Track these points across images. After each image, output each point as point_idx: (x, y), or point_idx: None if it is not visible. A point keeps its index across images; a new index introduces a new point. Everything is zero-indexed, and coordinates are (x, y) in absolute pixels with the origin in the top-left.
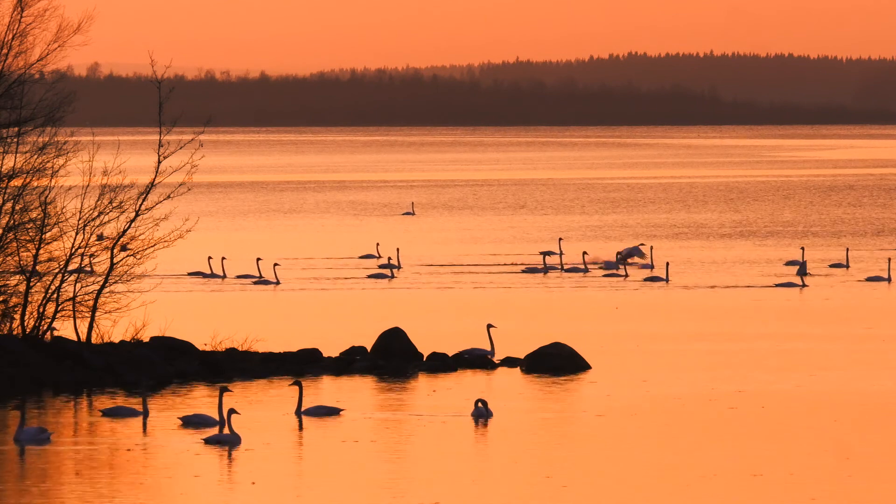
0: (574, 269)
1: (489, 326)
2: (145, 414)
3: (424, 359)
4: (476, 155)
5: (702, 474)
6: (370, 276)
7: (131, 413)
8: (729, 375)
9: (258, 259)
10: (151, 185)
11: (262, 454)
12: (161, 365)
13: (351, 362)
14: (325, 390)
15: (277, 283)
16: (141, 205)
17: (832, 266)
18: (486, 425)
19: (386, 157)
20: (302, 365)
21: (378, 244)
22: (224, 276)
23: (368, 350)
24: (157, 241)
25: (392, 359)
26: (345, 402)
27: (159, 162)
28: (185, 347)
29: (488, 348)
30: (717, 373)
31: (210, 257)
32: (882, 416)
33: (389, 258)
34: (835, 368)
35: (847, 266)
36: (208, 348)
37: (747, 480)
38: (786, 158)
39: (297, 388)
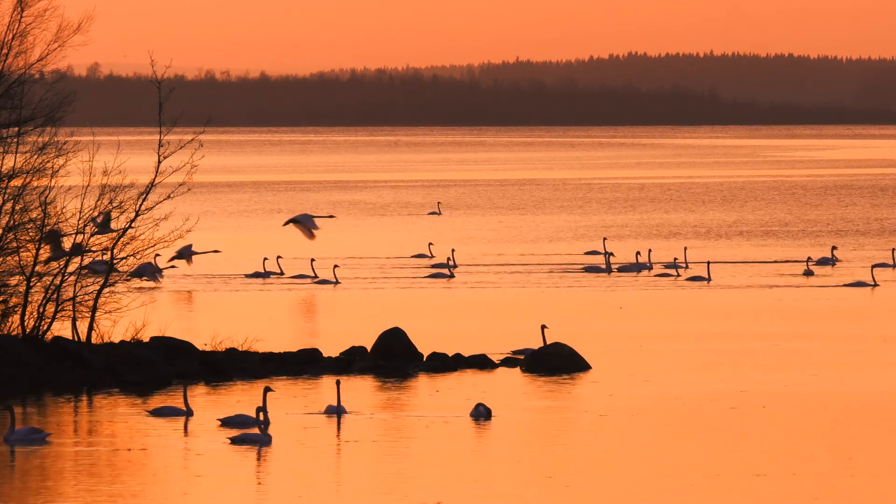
0: (622, 269)
1: (543, 327)
2: (188, 413)
3: (424, 359)
4: (477, 155)
5: (704, 474)
6: (429, 276)
7: (179, 413)
8: (731, 375)
9: (312, 260)
10: (151, 185)
11: (265, 454)
12: (161, 365)
13: (351, 362)
14: (325, 390)
15: (336, 283)
16: (141, 205)
17: (876, 266)
18: (486, 425)
19: (387, 157)
20: (302, 365)
21: (431, 244)
22: (267, 275)
23: (368, 350)
24: (157, 241)
25: (392, 359)
26: (345, 402)
27: (159, 162)
28: (185, 347)
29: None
30: (719, 373)
31: (279, 257)
32: (884, 415)
33: (448, 258)
34: (837, 368)
35: (894, 266)
36: (208, 348)
37: (750, 480)
38: (786, 158)
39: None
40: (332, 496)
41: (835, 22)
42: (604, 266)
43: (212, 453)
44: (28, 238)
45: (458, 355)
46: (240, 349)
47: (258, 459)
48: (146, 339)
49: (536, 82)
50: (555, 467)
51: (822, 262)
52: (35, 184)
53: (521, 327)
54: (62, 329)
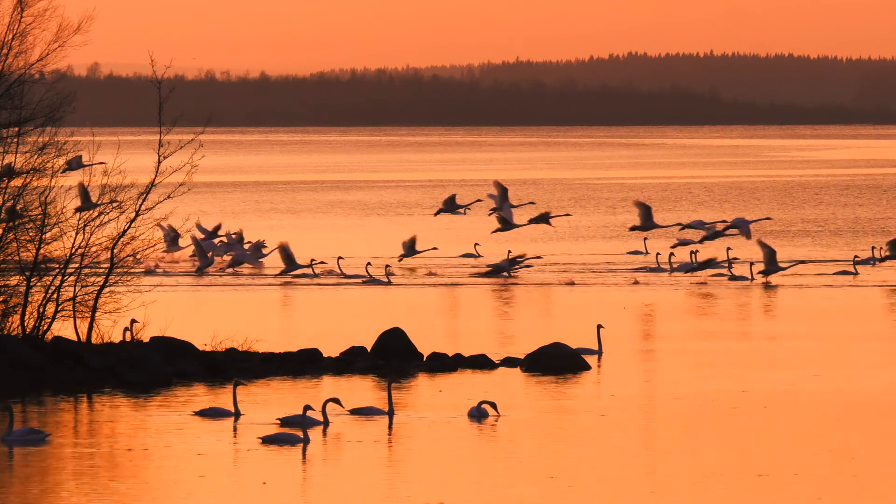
0: (677, 268)
1: (599, 327)
2: (237, 414)
3: (424, 359)
4: (477, 155)
5: (706, 474)
6: (484, 275)
7: (226, 414)
8: (732, 375)
9: (368, 264)
10: (151, 185)
11: (267, 454)
12: (161, 365)
13: (351, 362)
14: (325, 390)
15: (388, 283)
16: (141, 205)
17: None
18: (487, 425)
19: (387, 157)
20: (302, 365)
21: (477, 244)
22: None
23: (368, 350)
24: (158, 241)
25: (392, 359)
26: (346, 402)
27: (159, 162)
28: (185, 347)
29: (595, 348)
30: (720, 373)
31: (340, 258)
32: (887, 415)
33: (513, 258)
34: (839, 368)
35: None
36: (208, 348)
37: (752, 480)
38: (787, 158)
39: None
40: (333, 496)
41: (835, 22)
42: (660, 266)
43: (216, 454)
44: (28, 238)
45: (458, 355)
46: (240, 349)
47: (261, 460)
48: (146, 339)
49: (536, 82)
50: (557, 467)
51: (865, 261)
52: (35, 184)
53: (578, 327)
54: (62, 329)
